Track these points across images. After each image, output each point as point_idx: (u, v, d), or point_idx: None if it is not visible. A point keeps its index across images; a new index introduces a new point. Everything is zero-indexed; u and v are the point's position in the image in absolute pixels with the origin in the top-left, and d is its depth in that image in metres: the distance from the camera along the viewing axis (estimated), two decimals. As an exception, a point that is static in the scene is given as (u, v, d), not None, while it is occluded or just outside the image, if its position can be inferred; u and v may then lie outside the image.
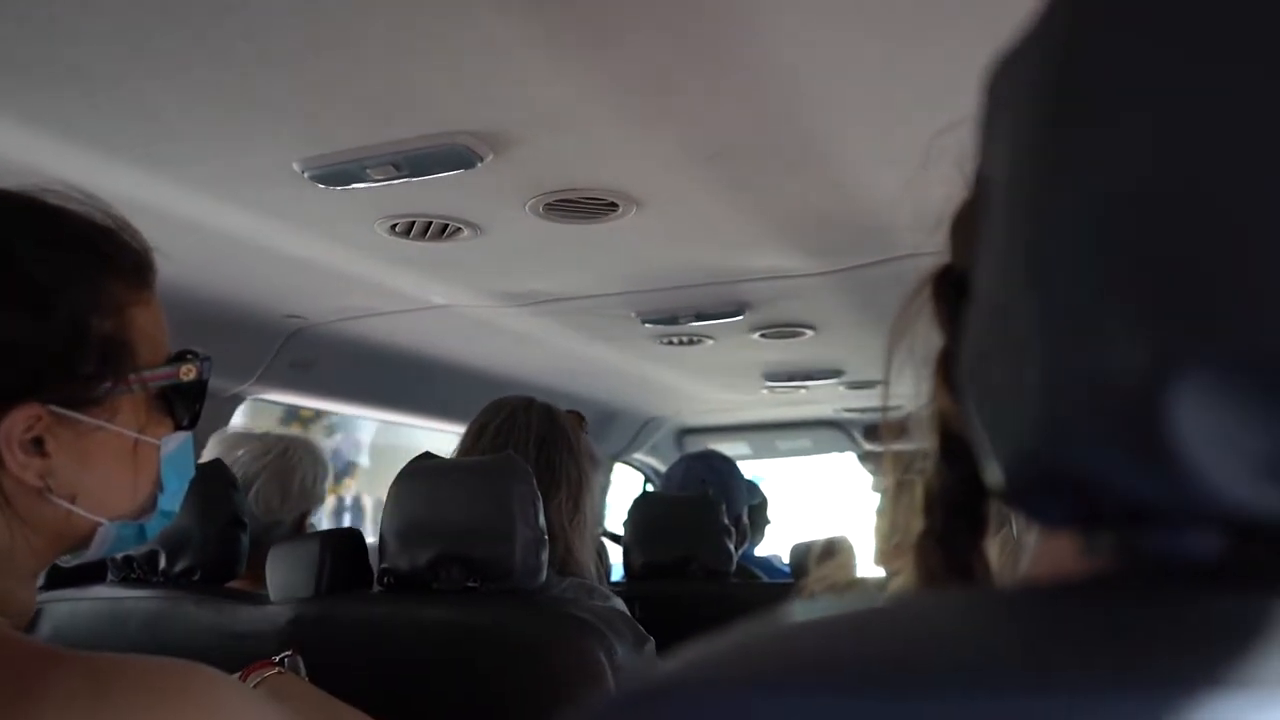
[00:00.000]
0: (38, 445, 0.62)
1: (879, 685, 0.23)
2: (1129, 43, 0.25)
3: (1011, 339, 0.27)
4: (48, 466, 0.63)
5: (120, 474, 0.67)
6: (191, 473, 0.74)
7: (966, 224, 0.33)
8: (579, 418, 1.56)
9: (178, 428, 0.71)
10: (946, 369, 0.35)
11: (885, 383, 0.40)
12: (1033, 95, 0.28)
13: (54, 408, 0.63)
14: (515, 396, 1.52)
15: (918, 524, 0.36)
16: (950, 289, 0.34)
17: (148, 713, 0.59)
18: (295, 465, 1.68)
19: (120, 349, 0.66)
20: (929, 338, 0.37)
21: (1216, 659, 0.21)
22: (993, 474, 0.29)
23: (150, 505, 0.69)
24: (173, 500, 0.71)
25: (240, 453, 1.66)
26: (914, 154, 1.20)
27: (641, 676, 0.27)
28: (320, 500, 1.72)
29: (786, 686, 0.24)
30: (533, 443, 1.43)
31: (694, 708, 0.24)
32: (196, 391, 0.72)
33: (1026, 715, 0.21)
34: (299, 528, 1.69)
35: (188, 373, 0.70)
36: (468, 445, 1.48)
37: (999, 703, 0.22)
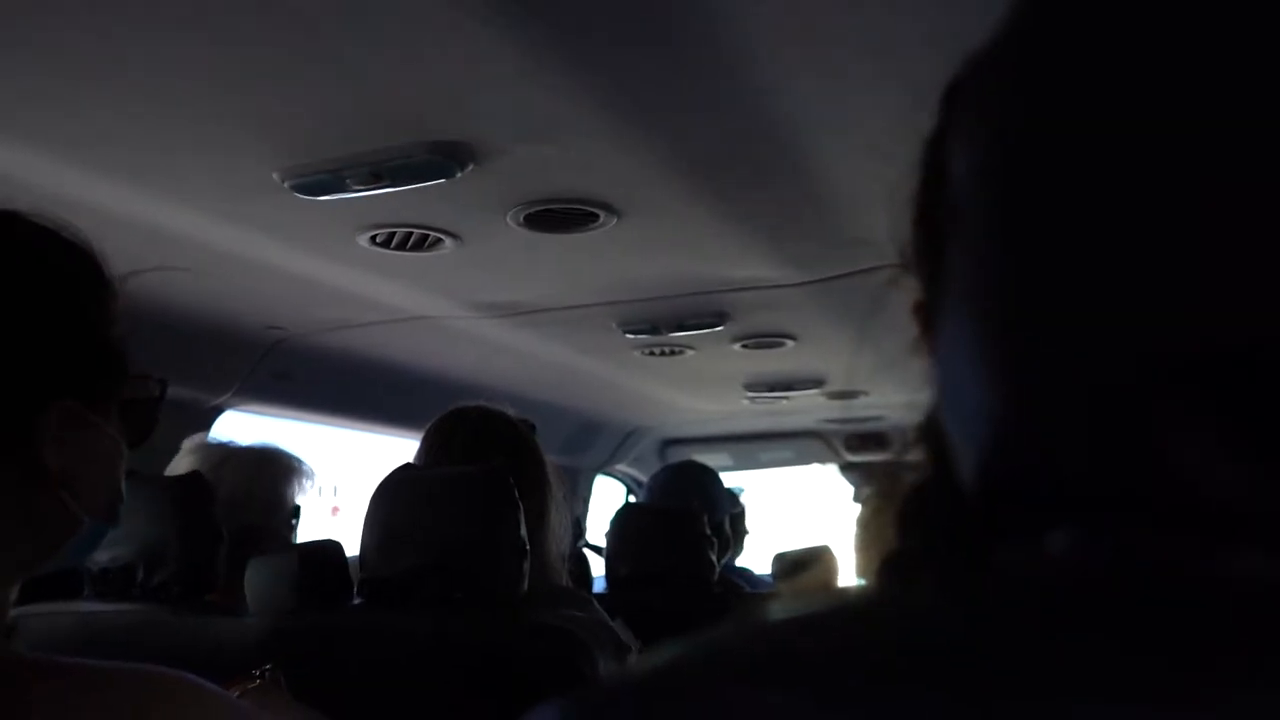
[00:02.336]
0: (59, 439, 0.65)
1: (848, 684, 0.23)
2: (1101, 48, 0.25)
3: (984, 341, 0.28)
4: (68, 460, 0.65)
5: (110, 474, 0.69)
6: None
7: (931, 231, 0.33)
8: (530, 426, 1.56)
9: (132, 439, 0.72)
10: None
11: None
12: (1005, 100, 0.28)
13: (77, 406, 0.66)
14: (473, 406, 1.52)
15: (894, 538, 0.36)
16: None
17: (134, 718, 0.59)
18: (276, 475, 1.66)
19: (120, 357, 0.70)
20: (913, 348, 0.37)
21: (1199, 656, 0.22)
22: (967, 478, 0.29)
23: (116, 509, 0.71)
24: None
25: (223, 471, 1.63)
26: (890, 165, 1.21)
27: (609, 679, 0.27)
28: (288, 505, 1.68)
29: (758, 683, 0.24)
30: (503, 453, 1.43)
31: (658, 706, 0.25)
32: (156, 409, 0.75)
33: (1003, 717, 0.22)
34: (286, 534, 1.66)
35: (155, 388, 0.75)
36: (436, 456, 1.47)
37: (975, 705, 0.22)
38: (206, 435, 1.78)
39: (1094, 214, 0.25)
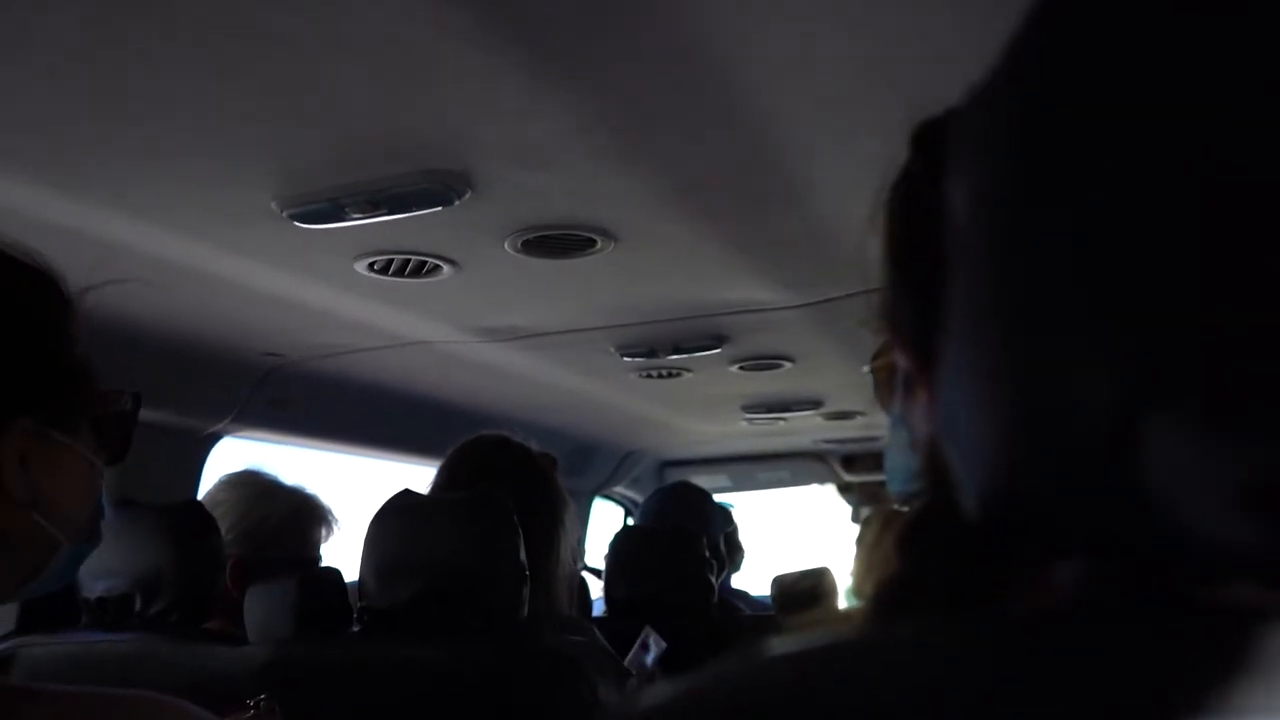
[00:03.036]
0: (23, 462, 0.65)
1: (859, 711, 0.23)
2: (1101, 78, 0.25)
3: (978, 378, 0.28)
4: (32, 481, 0.65)
5: (81, 494, 0.70)
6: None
7: (919, 268, 0.33)
8: (551, 460, 1.56)
9: (110, 457, 0.73)
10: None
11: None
12: (1001, 136, 0.28)
13: (39, 426, 0.66)
14: (490, 435, 1.52)
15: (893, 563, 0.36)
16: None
17: None
18: (299, 516, 1.65)
19: (85, 376, 0.70)
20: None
21: (1187, 689, 0.22)
22: (969, 506, 0.29)
23: (95, 528, 0.71)
24: (103, 527, 0.73)
25: (226, 494, 1.64)
26: (887, 188, 1.22)
27: (619, 713, 0.27)
28: (306, 544, 1.68)
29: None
30: (510, 483, 1.42)
31: None
32: (130, 423, 0.76)
33: None
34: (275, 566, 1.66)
35: (125, 403, 0.75)
36: (441, 484, 1.47)
37: None
38: (253, 468, 1.76)
39: (1090, 255, 0.25)
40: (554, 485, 1.49)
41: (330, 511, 1.71)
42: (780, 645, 0.27)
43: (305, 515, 1.68)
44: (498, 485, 1.40)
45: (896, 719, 0.23)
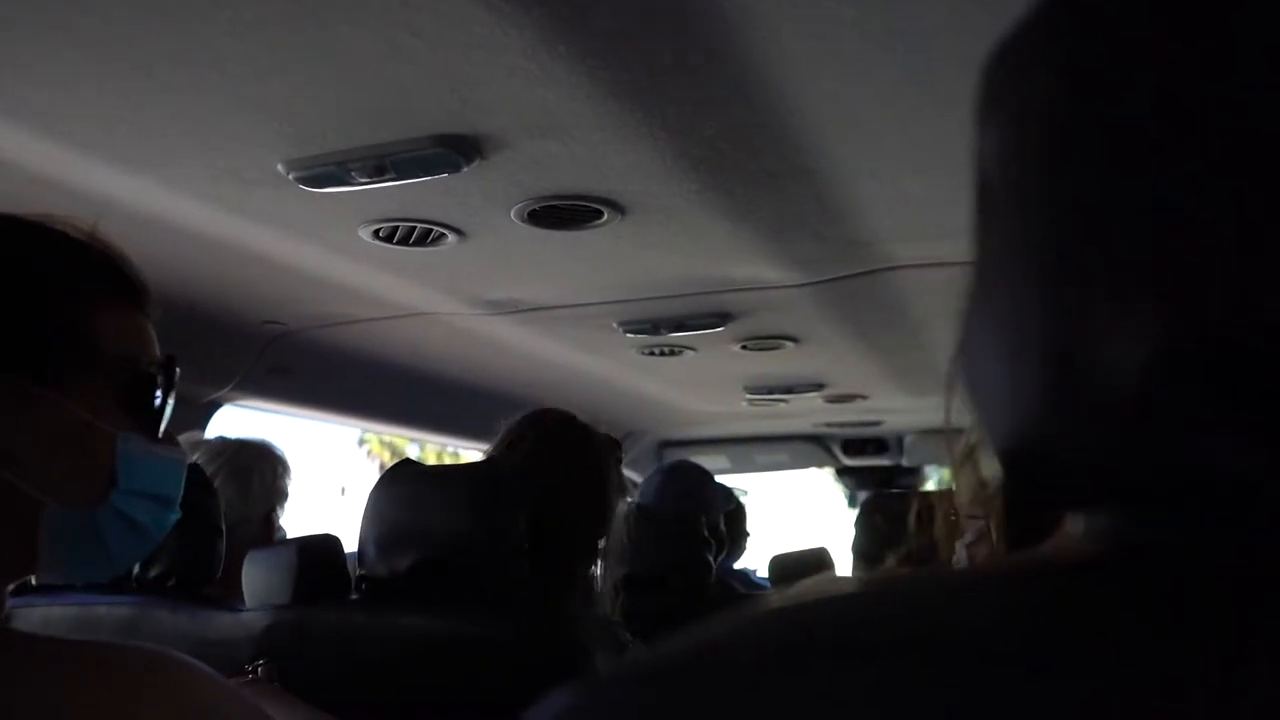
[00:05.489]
0: None
1: (881, 657, 0.23)
2: (1132, 33, 0.25)
3: (1008, 328, 0.28)
4: (7, 437, 0.63)
5: (63, 451, 0.66)
6: (169, 493, 0.73)
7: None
8: (615, 445, 1.53)
9: (145, 432, 0.70)
10: None
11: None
12: (1032, 87, 0.28)
13: (25, 380, 0.64)
14: (556, 411, 1.49)
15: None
16: None
17: (125, 696, 0.58)
18: (251, 464, 1.67)
19: (77, 337, 0.67)
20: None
21: (1214, 637, 0.21)
22: (992, 461, 0.29)
23: (100, 496, 0.68)
24: (135, 505, 0.69)
25: (195, 456, 1.65)
26: (894, 167, 1.21)
27: (622, 665, 0.27)
28: (284, 496, 1.72)
29: (785, 662, 0.23)
30: (567, 464, 1.41)
31: (672, 686, 0.24)
32: (160, 392, 0.72)
33: (1023, 696, 0.21)
34: (267, 526, 1.68)
35: (149, 365, 0.71)
36: (502, 453, 1.45)
37: (997, 681, 0.21)
38: (201, 432, 1.79)
39: (1121, 200, 0.25)
40: (611, 472, 1.47)
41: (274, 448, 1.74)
42: (776, 600, 0.27)
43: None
44: (555, 463, 1.38)
45: (899, 656, 0.22)
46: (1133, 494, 0.25)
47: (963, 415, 0.33)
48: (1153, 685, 0.21)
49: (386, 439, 11.39)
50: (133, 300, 0.72)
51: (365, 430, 2.63)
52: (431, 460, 1.58)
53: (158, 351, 0.73)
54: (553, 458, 1.40)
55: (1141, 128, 0.25)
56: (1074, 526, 0.27)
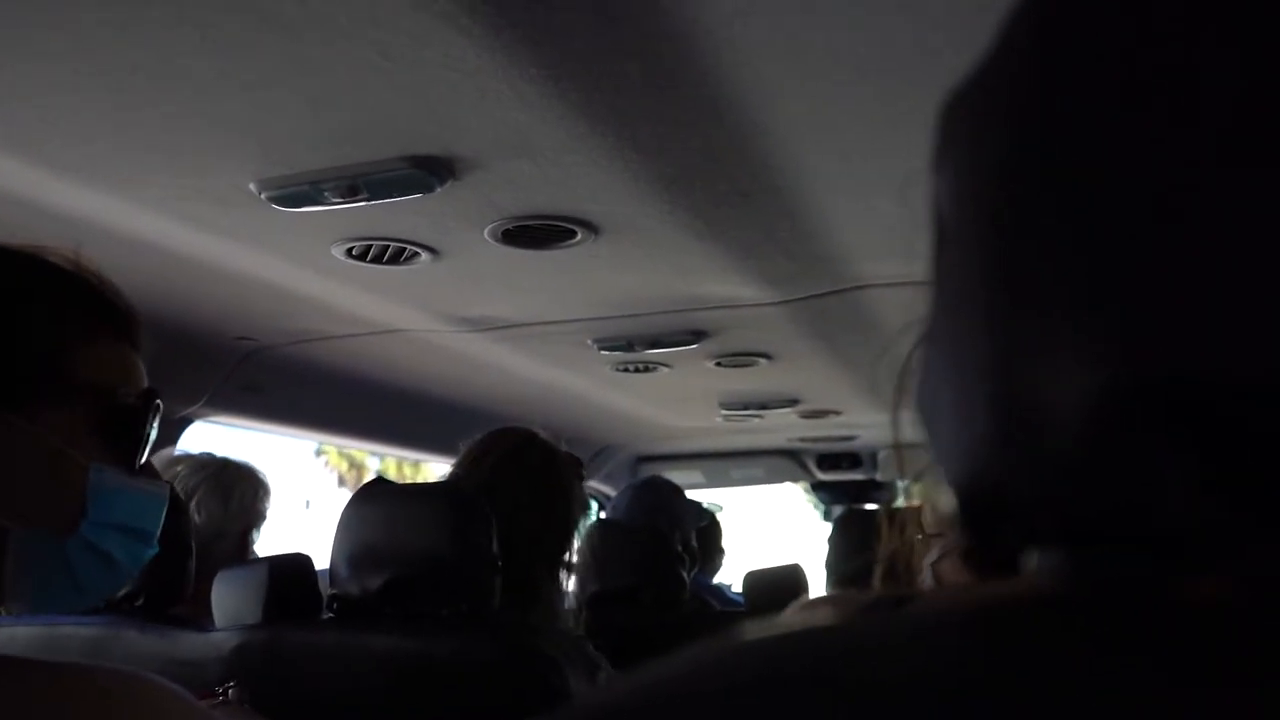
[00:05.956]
0: None
1: (834, 697, 0.23)
2: (1085, 77, 0.25)
3: (958, 363, 0.28)
4: None
5: (31, 477, 0.66)
6: (146, 526, 0.72)
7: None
8: (577, 462, 1.55)
9: (121, 463, 0.70)
10: None
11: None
12: (987, 125, 0.28)
13: None
14: (518, 429, 1.52)
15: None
16: None
17: (93, 718, 0.58)
18: (234, 481, 1.67)
19: (49, 365, 0.67)
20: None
21: (1163, 676, 0.22)
22: (948, 499, 0.30)
23: (68, 524, 0.67)
24: (107, 537, 0.69)
25: (179, 469, 1.65)
26: (864, 186, 1.23)
27: (588, 699, 0.27)
28: (262, 518, 1.71)
29: (738, 697, 0.24)
30: (529, 480, 1.42)
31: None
32: (139, 424, 0.71)
33: None
34: (243, 544, 1.67)
35: (125, 396, 0.70)
36: (464, 470, 1.47)
37: (952, 712, 0.22)
38: (173, 448, 1.78)
39: (1069, 239, 0.25)
40: (574, 489, 1.48)
41: (263, 474, 1.73)
42: (747, 632, 0.27)
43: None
44: (522, 482, 1.40)
45: (856, 698, 0.23)
46: (1083, 534, 0.26)
47: (916, 431, 0.34)
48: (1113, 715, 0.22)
49: (344, 451, 11.29)
50: (117, 330, 0.72)
51: (338, 445, 2.62)
52: (392, 472, 1.59)
53: (143, 382, 0.73)
54: (515, 474, 1.41)
55: (1089, 169, 0.25)
56: (1028, 562, 0.28)
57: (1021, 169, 0.27)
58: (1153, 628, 0.23)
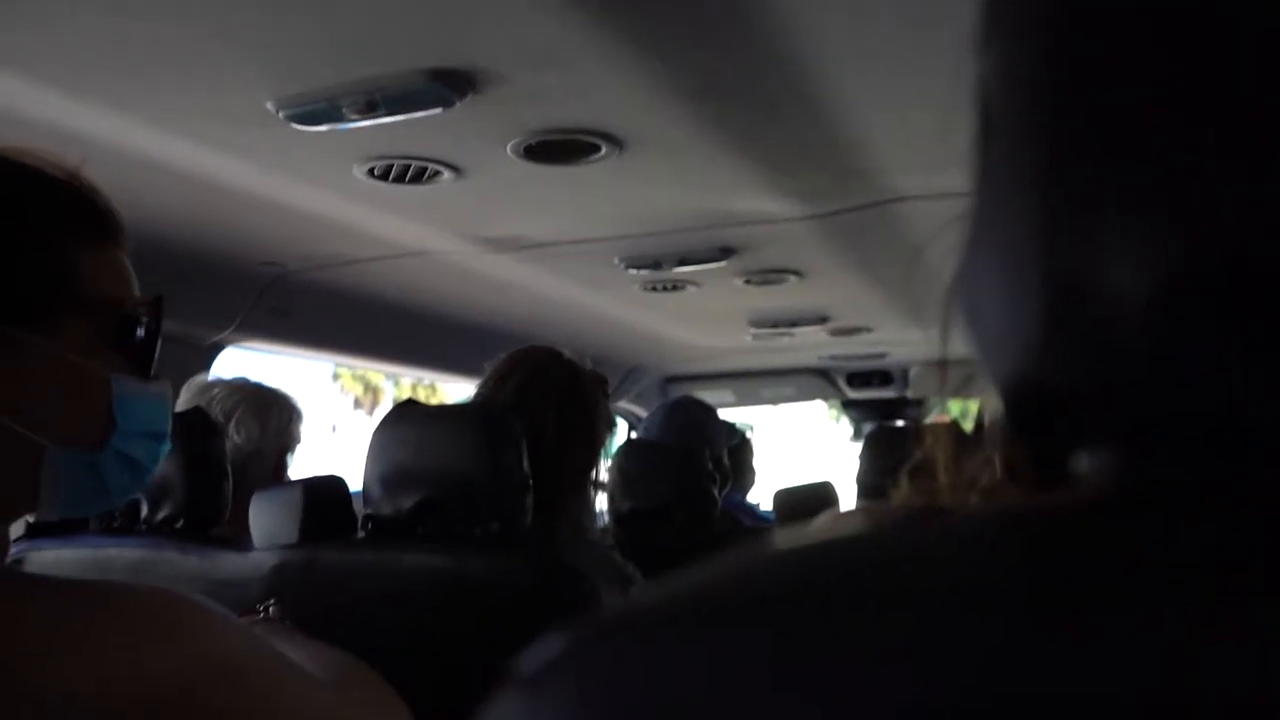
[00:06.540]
0: None
1: (865, 607, 0.22)
2: None
3: (1009, 257, 0.26)
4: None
5: (59, 396, 0.66)
6: (163, 428, 0.73)
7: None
8: (602, 380, 1.55)
9: (135, 372, 0.70)
10: None
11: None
12: (1031, 1, 0.27)
13: (7, 328, 0.63)
14: (542, 348, 1.51)
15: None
16: None
17: (137, 636, 0.59)
18: (270, 403, 1.69)
19: (60, 280, 0.66)
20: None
21: (1226, 576, 0.21)
22: (992, 400, 0.28)
23: (100, 439, 0.68)
24: (133, 446, 0.70)
25: (215, 392, 1.66)
26: (901, 96, 1.18)
27: (615, 609, 0.26)
28: (297, 441, 1.73)
29: (768, 608, 0.23)
30: (554, 399, 1.42)
31: (642, 644, 0.24)
32: (148, 332, 0.72)
33: (1031, 634, 0.21)
34: (279, 464, 1.69)
35: (136, 308, 0.71)
36: (489, 391, 1.47)
37: (1002, 621, 0.21)
38: (206, 374, 1.80)
39: (1126, 117, 0.24)
40: (599, 406, 1.48)
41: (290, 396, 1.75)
42: (779, 542, 0.27)
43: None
44: (546, 401, 1.40)
45: (905, 605, 0.22)
46: (1138, 432, 0.25)
47: (959, 347, 0.33)
48: (1159, 618, 0.20)
49: (359, 373, 11.41)
50: (113, 238, 0.71)
51: (366, 368, 2.64)
52: (406, 394, 1.60)
53: (137, 289, 0.72)
54: (540, 393, 1.41)
55: (1148, 37, 0.23)
56: (1077, 465, 0.27)
57: (1078, 52, 0.25)
58: (1217, 532, 0.22)
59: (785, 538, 0.27)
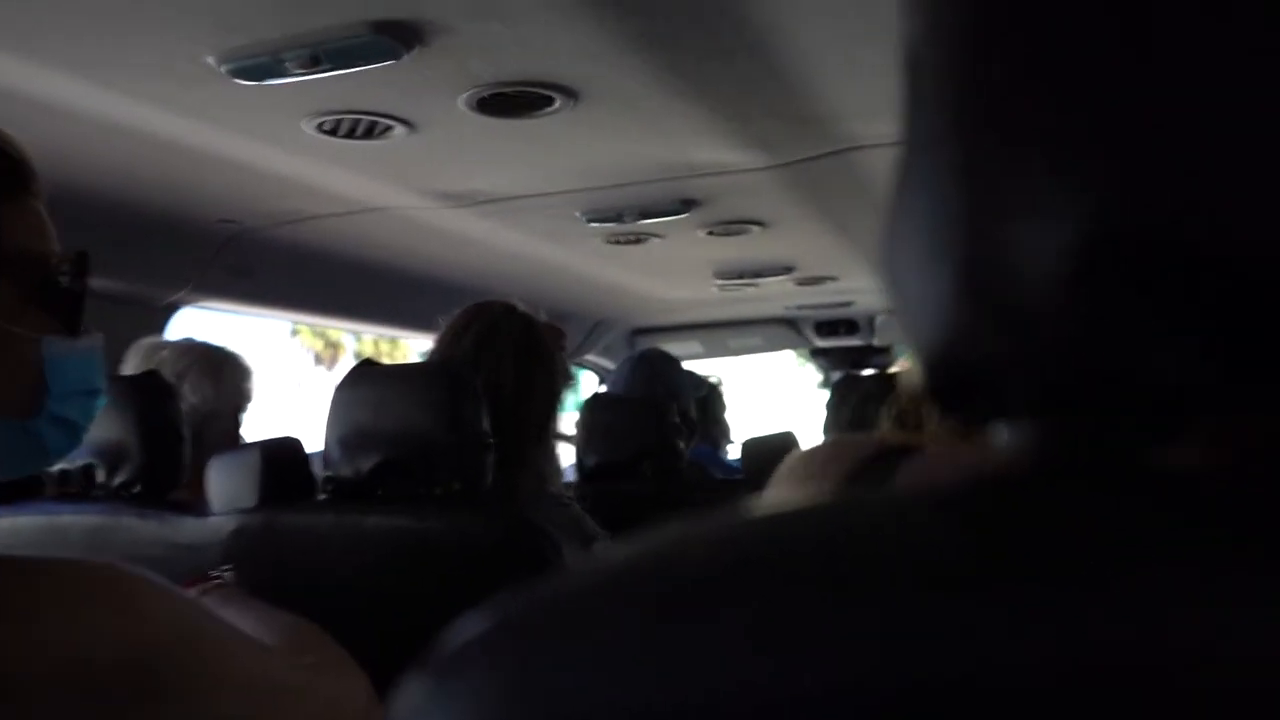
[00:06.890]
0: None
1: (800, 588, 0.22)
2: None
3: (928, 220, 0.26)
4: None
5: None
6: (97, 386, 0.71)
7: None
8: (558, 332, 1.54)
9: (64, 330, 0.68)
10: None
11: None
12: None
13: None
14: (497, 302, 1.49)
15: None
16: None
17: (75, 608, 0.58)
18: (222, 362, 1.67)
19: None
20: None
21: (1150, 548, 0.21)
22: (917, 369, 0.28)
23: (32, 404, 0.66)
24: (68, 407, 0.68)
25: (163, 353, 1.64)
26: (852, 39, 1.17)
27: (579, 571, 0.26)
28: (249, 399, 1.71)
29: (708, 587, 0.22)
30: (511, 352, 1.41)
31: (601, 615, 0.24)
32: (74, 287, 0.69)
33: (960, 613, 0.20)
34: (234, 423, 1.68)
35: (60, 263, 0.68)
36: (445, 346, 1.46)
37: (950, 600, 0.21)
38: (160, 336, 1.77)
39: (1045, 76, 0.23)
40: (555, 359, 1.47)
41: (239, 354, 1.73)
42: (737, 511, 0.26)
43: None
44: (502, 355, 1.39)
45: (822, 589, 0.21)
46: (1057, 403, 0.24)
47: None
48: (1069, 592, 0.20)
49: (318, 330, 11.27)
50: (27, 187, 0.67)
51: (327, 326, 2.61)
52: (369, 351, 1.59)
53: (57, 244, 0.69)
54: (495, 347, 1.40)
55: (1069, 3, 0.23)
56: (996, 437, 0.26)
57: (995, 11, 0.24)
58: (1132, 502, 0.22)
59: (744, 505, 0.27)
